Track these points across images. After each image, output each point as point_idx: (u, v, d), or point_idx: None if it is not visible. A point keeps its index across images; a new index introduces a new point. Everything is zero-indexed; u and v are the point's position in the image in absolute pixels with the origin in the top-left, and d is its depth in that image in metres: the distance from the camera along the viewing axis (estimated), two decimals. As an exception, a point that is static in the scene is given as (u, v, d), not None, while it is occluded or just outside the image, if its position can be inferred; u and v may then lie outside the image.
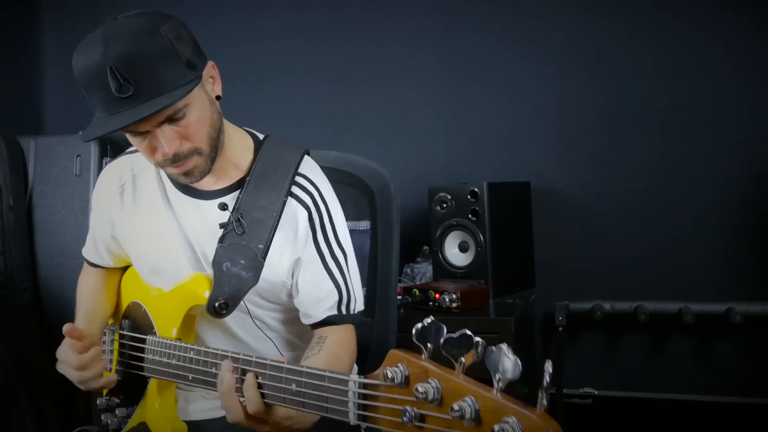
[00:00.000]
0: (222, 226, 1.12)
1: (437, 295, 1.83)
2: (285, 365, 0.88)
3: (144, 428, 1.18)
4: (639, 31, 2.21)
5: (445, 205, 2.03)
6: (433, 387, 0.68)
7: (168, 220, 1.17)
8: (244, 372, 0.93)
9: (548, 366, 0.61)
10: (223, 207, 1.14)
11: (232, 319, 1.17)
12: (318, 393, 0.82)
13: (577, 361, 2.28)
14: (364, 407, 0.76)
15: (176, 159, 1.02)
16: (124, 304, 1.32)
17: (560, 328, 2.16)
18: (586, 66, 2.27)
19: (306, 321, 1.18)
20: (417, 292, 1.89)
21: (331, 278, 1.16)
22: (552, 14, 2.29)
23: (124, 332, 1.26)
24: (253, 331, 1.20)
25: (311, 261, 1.15)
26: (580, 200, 2.29)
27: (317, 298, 1.15)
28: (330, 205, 1.18)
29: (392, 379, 0.71)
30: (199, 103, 1.03)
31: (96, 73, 0.94)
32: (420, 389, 0.68)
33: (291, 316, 1.24)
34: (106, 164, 2.17)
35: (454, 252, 2.05)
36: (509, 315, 1.77)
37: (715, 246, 2.15)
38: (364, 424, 0.77)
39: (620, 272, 2.24)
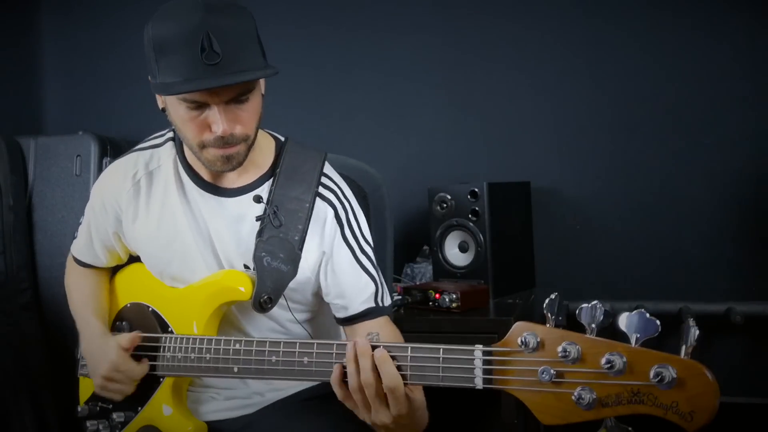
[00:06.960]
0: (258, 218, 1.13)
1: (437, 295, 1.83)
2: (394, 344, 0.92)
3: (150, 431, 1.16)
4: (639, 31, 2.21)
5: (445, 205, 2.03)
6: (573, 347, 0.77)
7: (186, 218, 1.16)
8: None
9: (691, 322, 0.71)
10: (258, 199, 1.14)
11: (245, 319, 1.17)
12: (432, 365, 0.88)
13: (577, 361, 2.27)
14: (490, 372, 0.84)
15: (227, 141, 1.04)
16: (119, 305, 1.28)
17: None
18: (586, 66, 2.27)
19: (341, 314, 1.17)
20: (417, 292, 1.89)
21: (365, 270, 1.17)
22: (552, 14, 2.29)
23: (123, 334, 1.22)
24: (268, 333, 1.20)
25: (343, 255, 1.16)
26: (580, 200, 2.29)
27: (357, 289, 1.16)
28: (353, 204, 1.21)
29: (526, 345, 0.80)
30: (259, 94, 1.08)
31: (188, 35, 0.96)
32: (560, 349, 0.77)
33: (306, 316, 1.23)
34: (106, 164, 2.18)
35: (454, 252, 2.04)
36: (509, 315, 1.76)
37: (715, 246, 2.15)
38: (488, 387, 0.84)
39: (620, 272, 2.24)
